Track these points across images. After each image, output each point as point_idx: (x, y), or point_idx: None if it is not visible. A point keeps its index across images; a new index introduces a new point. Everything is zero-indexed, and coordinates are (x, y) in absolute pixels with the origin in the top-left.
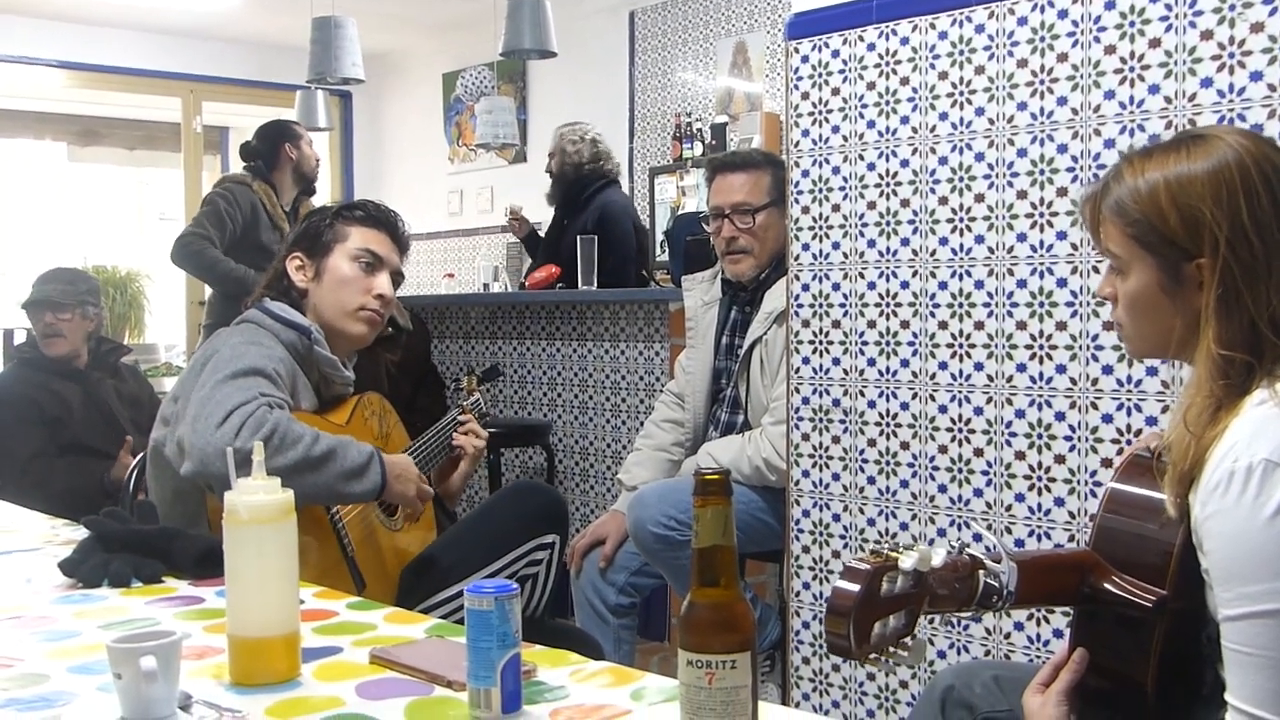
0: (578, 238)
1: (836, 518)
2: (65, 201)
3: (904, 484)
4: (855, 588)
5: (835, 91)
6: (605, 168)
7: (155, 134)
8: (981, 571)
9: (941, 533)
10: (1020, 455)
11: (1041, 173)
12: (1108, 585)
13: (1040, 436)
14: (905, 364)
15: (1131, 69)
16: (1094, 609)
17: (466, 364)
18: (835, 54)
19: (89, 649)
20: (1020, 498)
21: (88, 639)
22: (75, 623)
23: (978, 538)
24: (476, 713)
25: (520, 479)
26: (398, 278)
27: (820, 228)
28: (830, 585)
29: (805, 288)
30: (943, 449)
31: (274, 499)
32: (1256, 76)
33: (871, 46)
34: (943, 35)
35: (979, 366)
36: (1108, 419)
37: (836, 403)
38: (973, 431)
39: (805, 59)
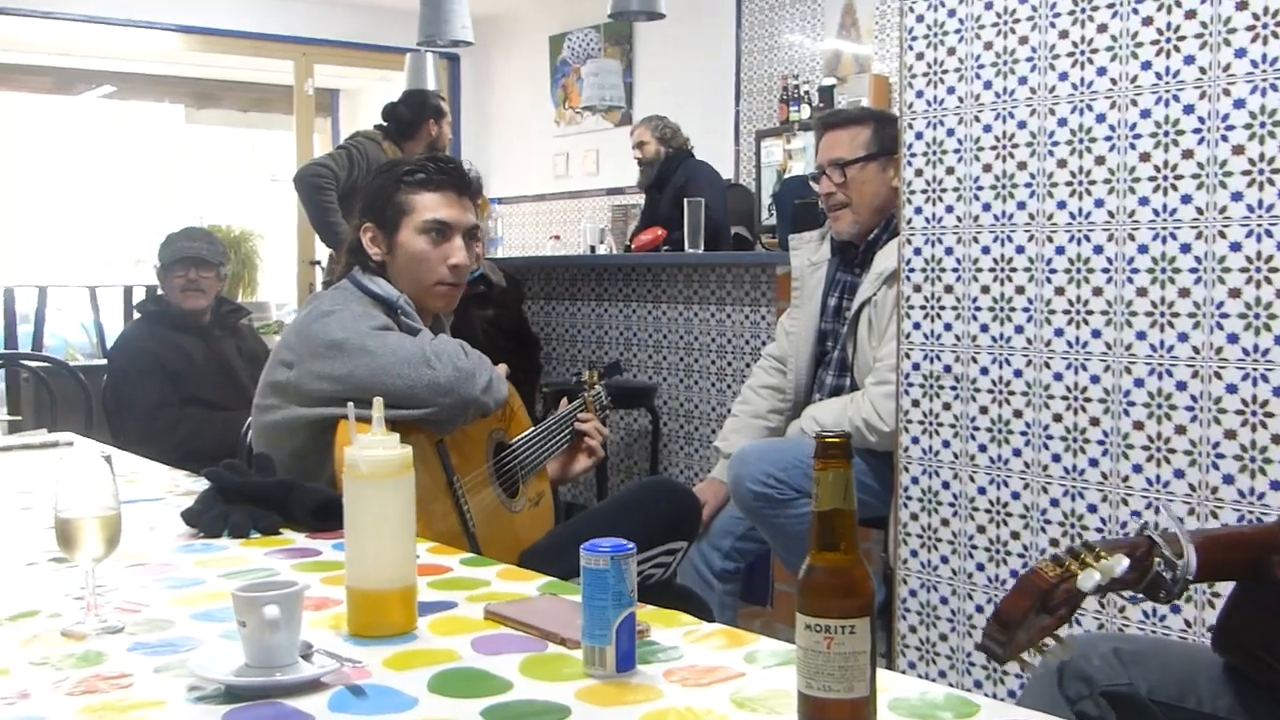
0: (685, 201)
1: (946, 485)
2: (182, 162)
3: (1016, 453)
4: (1028, 603)
5: (951, 51)
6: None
7: (268, 96)
8: (1157, 560)
9: (1054, 503)
10: (1139, 425)
11: (1166, 134)
12: None
13: (1160, 406)
14: (1019, 330)
15: (1265, 25)
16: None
17: (572, 328)
18: (951, 13)
19: (211, 596)
20: (1138, 469)
21: (210, 587)
22: (197, 571)
23: (1135, 515)
24: (591, 671)
25: (654, 475)
26: (473, 231)
27: (933, 190)
28: (1005, 593)
29: (917, 251)
30: (1057, 417)
31: (393, 454)
32: None
33: (989, 5)
34: None
35: (1096, 333)
36: (1232, 389)
37: (948, 369)
38: (1089, 400)
39: (920, 19)
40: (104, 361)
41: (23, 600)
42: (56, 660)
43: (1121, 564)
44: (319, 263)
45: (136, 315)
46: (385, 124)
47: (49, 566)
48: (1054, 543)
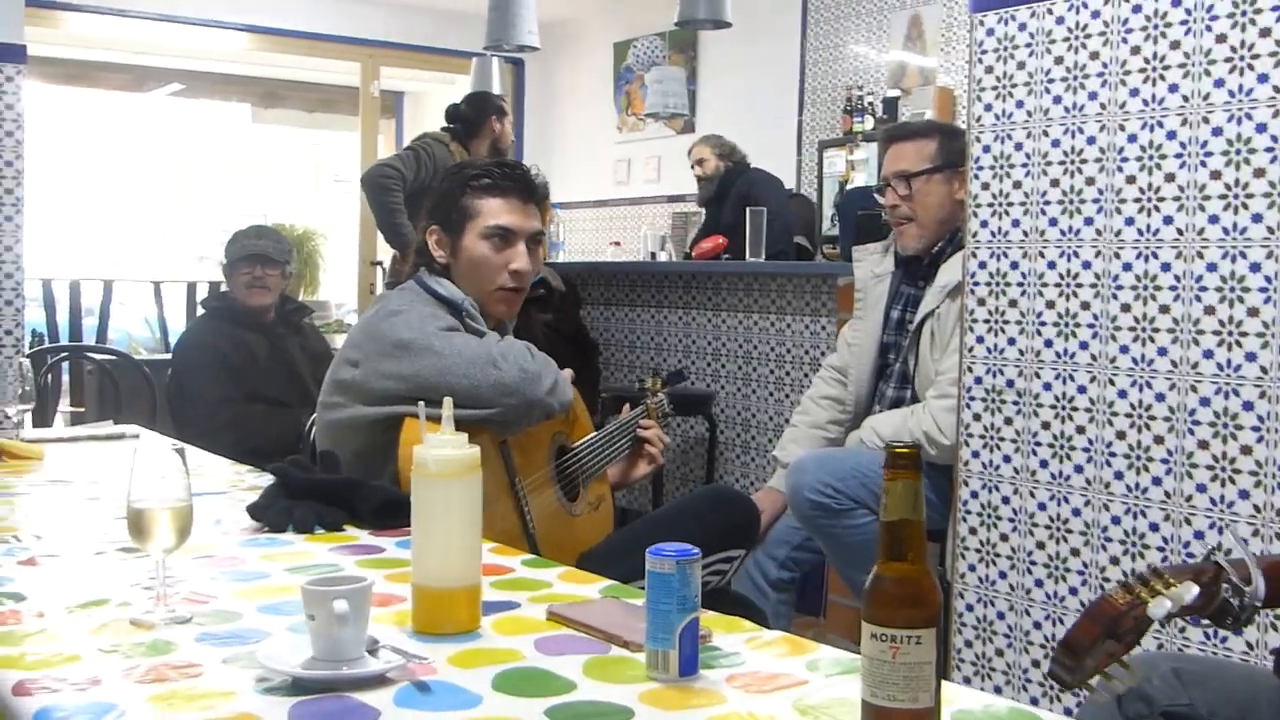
0: (747, 210)
1: (1006, 500)
2: (248, 161)
3: (1078, 469)
4: (1098, 630)
5: (1020, 65)
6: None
7: (333, 97)
8: (1225, 586)
9: (1115, 520)
10: (1203, 444)
11: (1238, 152)
12: None
13: (1226, 426)
14: (1084, 346)
15: None
16: None
17: (631, 334)
18: (1022, 27)
19: (278, 590)
20: (1201, 488)
21: (276, 580)
22: (263, 564)
23: (1198, 535)
24: (654, 674)
25: (710, 483)
26: (537, 236)
27: (1000, 204)
28: (1075, 620)
29: (982, 265)
30: (1120, 435)
31: (462, 453)
32: None
33: (1060, 20)
34: (1136, 9)
35: (1162, 351)
36: None
37: (1010, 383)
38: (1153, 418)
39: (990, 32)
40: (167, 356)
41: (92, 589)
42: (126, 648)
43: (1191, 591)
44: (380, 263)
45: (201, 311)
46: (452, 125)
47: (117, 556)
48: (1114, 561)
